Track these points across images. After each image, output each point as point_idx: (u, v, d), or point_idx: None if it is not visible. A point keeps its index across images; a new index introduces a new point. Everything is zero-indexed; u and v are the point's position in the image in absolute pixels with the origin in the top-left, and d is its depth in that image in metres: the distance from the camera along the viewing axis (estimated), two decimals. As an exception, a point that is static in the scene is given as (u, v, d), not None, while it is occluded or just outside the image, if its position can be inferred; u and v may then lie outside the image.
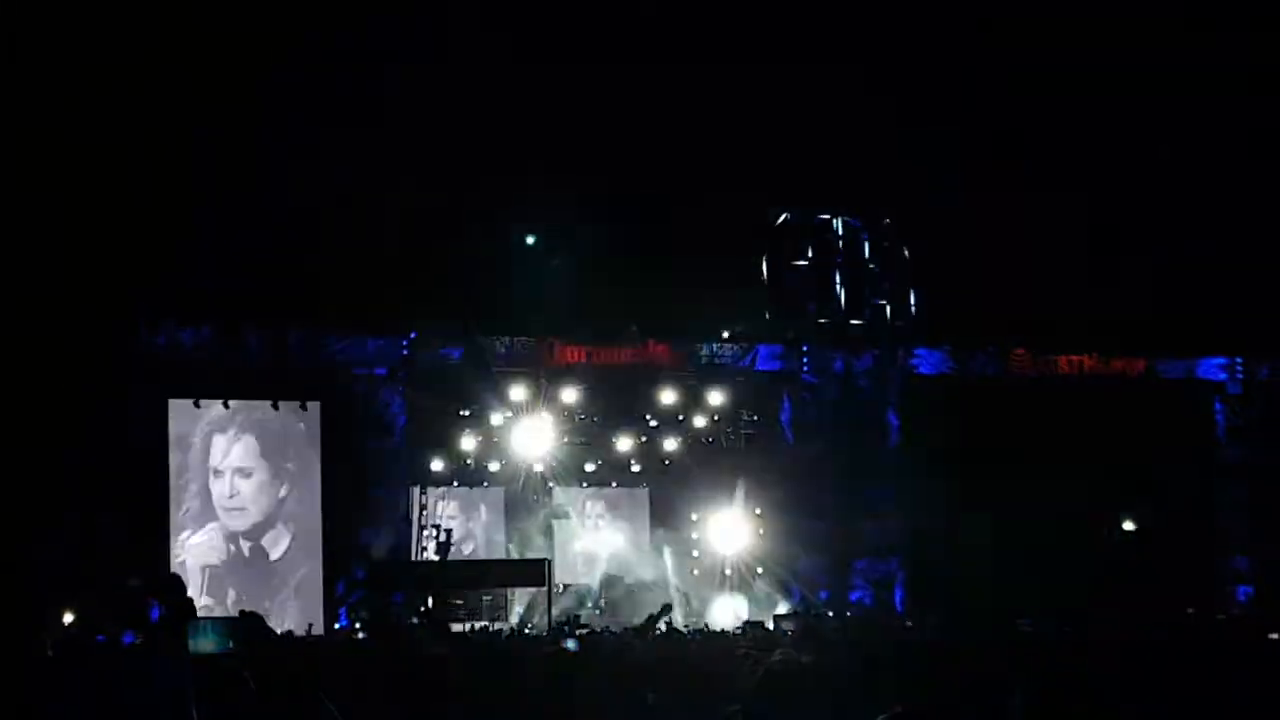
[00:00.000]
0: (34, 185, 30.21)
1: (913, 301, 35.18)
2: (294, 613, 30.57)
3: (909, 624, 28.49)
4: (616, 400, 34.62)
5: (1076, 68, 34.60)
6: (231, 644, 27.25)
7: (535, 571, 31.91)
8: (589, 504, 38.46)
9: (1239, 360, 36.69)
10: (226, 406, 31.47)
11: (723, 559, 35.21)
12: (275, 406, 31.83)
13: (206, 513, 31.26)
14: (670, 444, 35.61)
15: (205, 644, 26.86)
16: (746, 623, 27.20)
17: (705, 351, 34.16)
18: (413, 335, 32.27)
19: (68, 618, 29.38)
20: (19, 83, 29.78)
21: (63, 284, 29.40)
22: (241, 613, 29.95)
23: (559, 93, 32.38)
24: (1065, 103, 34.78)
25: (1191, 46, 33.89)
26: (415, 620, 29.05)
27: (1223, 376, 36.82)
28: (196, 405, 31.34)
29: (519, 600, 34.23)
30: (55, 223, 29.98)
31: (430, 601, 32.13)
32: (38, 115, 30.10)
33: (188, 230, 30.52)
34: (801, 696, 6.91)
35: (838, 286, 34.95)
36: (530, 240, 33.27)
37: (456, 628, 27.71)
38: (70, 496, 29.84)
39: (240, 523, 31.37)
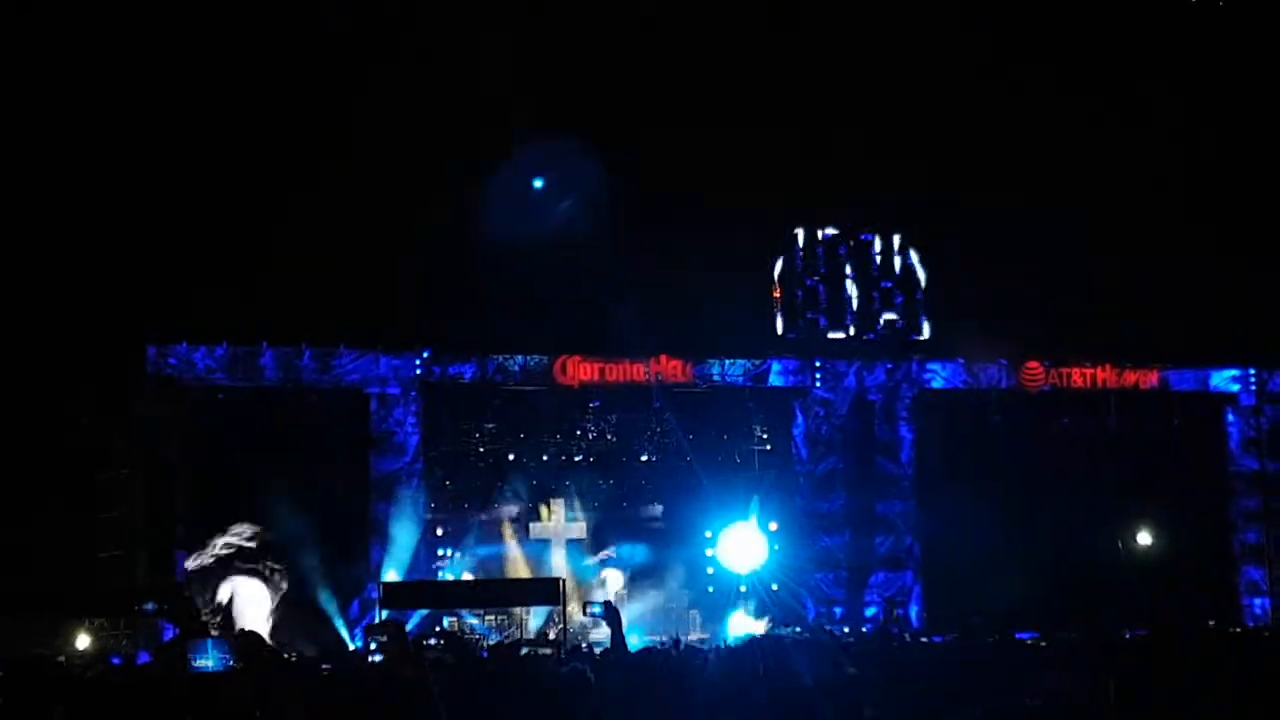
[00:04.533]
0: (42, 205, 30.44)
1: (925, 315, 35.13)
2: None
3: (923, 639, 28.40)
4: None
5: (1087, 78, 34.67)
6: (233, 662, 27.43)
7: (549, 590, 31.83)
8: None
9: (1251, 371, 36.59)
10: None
11: (738, 575, 35.08)
12: (293, 426, 31.91)
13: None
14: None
15: (207, 662, 27.03)
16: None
17: (717, 368, 34.18)
18: (426, 353, 32.33)
19: (84, 640, 29.61)
20: (36, 105, 30.01)
21: (77, 307, 29.60)
22: (241, 631, 30.13)
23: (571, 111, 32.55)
24: (1077, 115, 34.79)
25: (1201, 60, 33.96)
26: (432, 641, 29.03)
27: (1235, 387, 36.71)
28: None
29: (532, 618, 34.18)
30: (64, 244, 30.19)
31: (445, 621, 32.16)
32: (48, 134, 30.33)
33: (200, 251, 30.67)
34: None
35: (850, 301, 34.93)
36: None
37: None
38: (80, 518, 30.08)
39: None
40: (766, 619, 33.09)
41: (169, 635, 28.64)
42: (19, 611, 27.98)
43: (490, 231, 31.66)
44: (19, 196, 30.20)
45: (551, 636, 31.65)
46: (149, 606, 28.26)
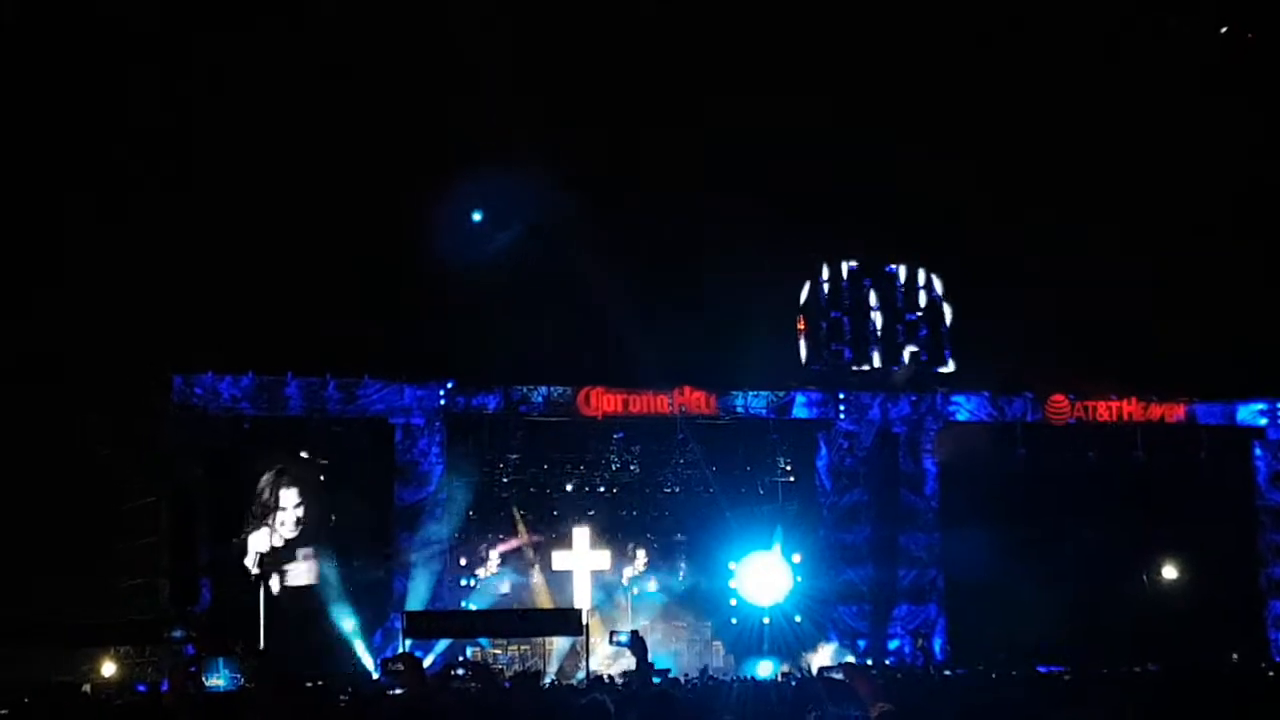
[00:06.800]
0: (68, 236, 30.75)
1: (950, 348, 35.07)
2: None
3: (947, 672, 28.27)
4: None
5: (1114, 114, 34.67)
6: (243, 681, 27.46)
7: (572, 620, 31.78)
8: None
9: (1279, 405, 36.40)
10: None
11: (760, 607, 34.93)
12: (315, 458, 32.03)
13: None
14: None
15: (218, 681, 27.08)
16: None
17: (741, 399, 34.18)
18: (450, 384, 32.40)
19: (109, 667, 29.71)
20: (58, 122, 30.39)
21: (102, 337, 29.84)
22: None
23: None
24: (1104, 148, 34.78)
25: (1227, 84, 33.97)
26: (458, 671, 29.03)
27: (1263, 421, 36.52)
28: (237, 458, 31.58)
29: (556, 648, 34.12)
30: (92, 276, 30.45)
31: (469, 651, 32.13)
32: (74, 160, 30.67)
33: (226, 282, 30.88)
34: None
35: (875, 334, 34.90)
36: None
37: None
38: (104, 547, 30.22)
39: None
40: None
41: (190, 651, 28.76)
42: (44, 642, 28.09)
43: (514, 264, 31.85)
44: (43, 227, 30.50)
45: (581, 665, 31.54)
46: (177, 633, 28.34)
